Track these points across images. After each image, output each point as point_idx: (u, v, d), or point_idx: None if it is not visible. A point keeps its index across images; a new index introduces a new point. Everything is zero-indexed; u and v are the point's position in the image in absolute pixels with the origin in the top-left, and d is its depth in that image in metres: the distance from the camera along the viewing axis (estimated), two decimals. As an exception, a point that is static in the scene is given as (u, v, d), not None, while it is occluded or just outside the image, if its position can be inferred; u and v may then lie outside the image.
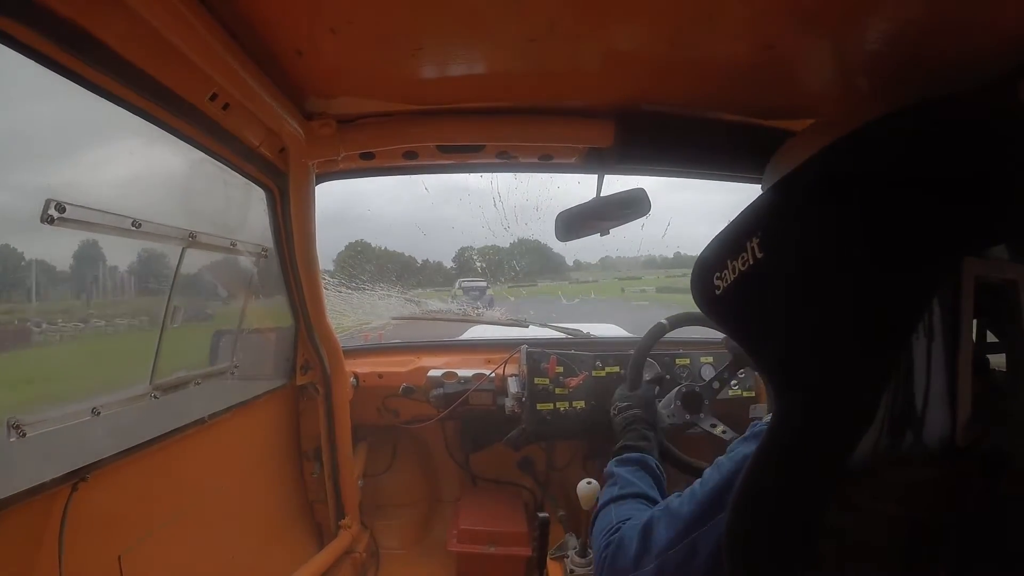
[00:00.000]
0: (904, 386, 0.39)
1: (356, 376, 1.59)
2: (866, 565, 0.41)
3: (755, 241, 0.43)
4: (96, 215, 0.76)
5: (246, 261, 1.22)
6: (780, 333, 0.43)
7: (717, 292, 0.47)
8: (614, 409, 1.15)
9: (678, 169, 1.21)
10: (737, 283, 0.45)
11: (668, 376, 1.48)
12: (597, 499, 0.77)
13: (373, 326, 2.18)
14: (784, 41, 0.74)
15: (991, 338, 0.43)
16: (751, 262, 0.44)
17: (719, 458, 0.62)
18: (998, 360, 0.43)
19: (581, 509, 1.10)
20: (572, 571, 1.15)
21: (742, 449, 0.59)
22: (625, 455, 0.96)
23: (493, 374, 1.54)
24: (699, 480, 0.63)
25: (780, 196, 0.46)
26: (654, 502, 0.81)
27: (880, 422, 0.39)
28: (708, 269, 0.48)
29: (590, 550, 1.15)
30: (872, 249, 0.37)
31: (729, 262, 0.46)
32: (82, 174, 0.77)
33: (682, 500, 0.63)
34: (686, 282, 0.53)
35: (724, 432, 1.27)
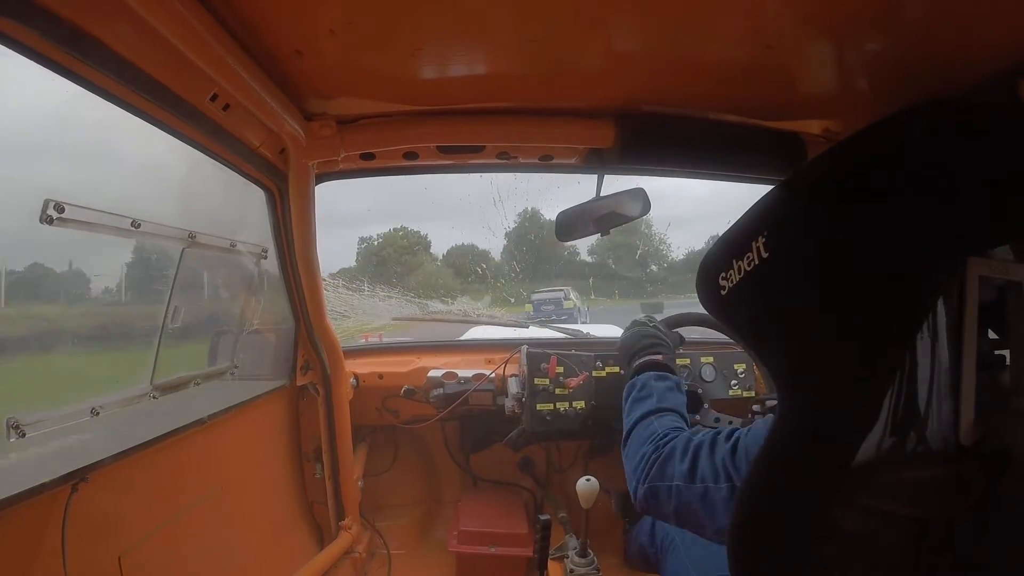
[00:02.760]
0: (908, 386, 0.39)
1: (356, 376, 1.59)
2: (870, 564, 0.42)
3: (761, 241, 0.43)
4: (95, 215, 0.76)
5: (246, 261, 1.23)
6: (785, 332, 0.43)
7: (723, 292, 0.47)
8: (630, 324, 1.11)
9: (678, 169, 1.21)
10: (743, 283, 0.45)
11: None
12: (635, 501, 0.76)
13: (373, 326, 2.18)
14: (784, 42, 0.74)
15: (995, 338, 0.43)
16: (757, 262, 0.44)
17: (757, 425, 0.63)
18: (1002, 360, 0.43)
19: (581, 509, 1.10)
20: (572, 571, 1.15)
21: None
22: (660, 372, 0.94)
23: (493, 374, 1.53)
24: (753, 432, 0.64)
25: (786, 197, 0.46)
26: (687, 423, 0.83)
27: (884, 422, 0.39)
28: (713, 269, 0.48)
29: (590, 551, 1.15)
30: (877, 249, 0.37)
31: (735, 262, 0.46)
32: (82, 174, 0.77)
33: (735, 444, 0.64)
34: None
35: (731, 423, 1.26)
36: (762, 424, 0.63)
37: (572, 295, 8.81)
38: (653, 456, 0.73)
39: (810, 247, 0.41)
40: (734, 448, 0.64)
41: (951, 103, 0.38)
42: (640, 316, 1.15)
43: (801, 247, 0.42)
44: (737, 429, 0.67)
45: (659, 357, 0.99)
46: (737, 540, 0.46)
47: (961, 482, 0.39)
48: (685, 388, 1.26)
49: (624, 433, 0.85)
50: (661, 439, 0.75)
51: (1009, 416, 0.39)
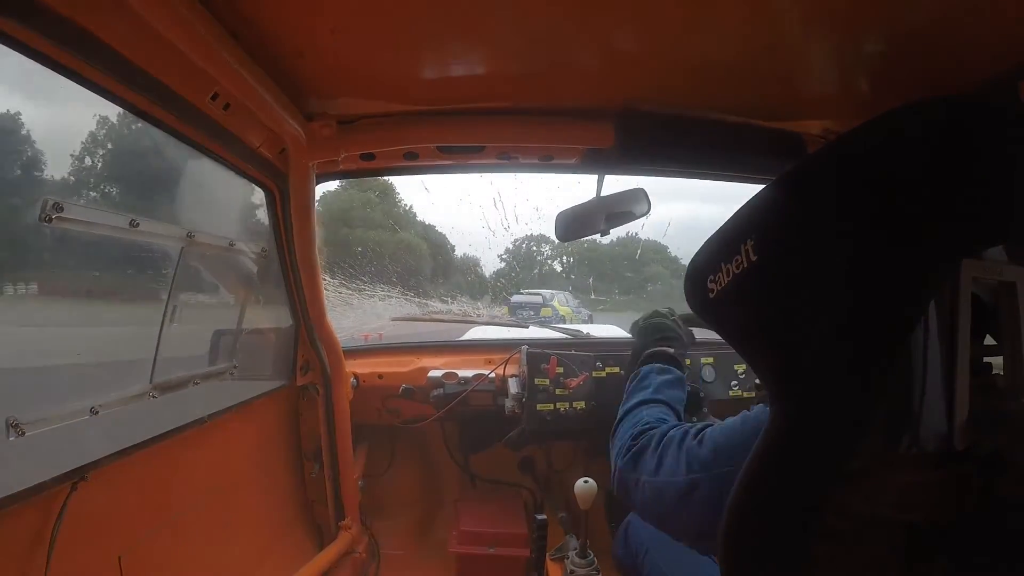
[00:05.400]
0: (901, 389, 0.39)
1: (356, 376, 1.59)
2: (863, 569, 0.41)
3: (750, 244, 0.43)
4: (94, 214, 0.76)
5: (246, 261, 1.23)
6: (775, 336, 0.43)
7: (711, 295, 0.47)
8: (650, 312, 1.10)
9: (678, 169, 1.21)
10: (731, 286, 0.45)
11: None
12: (613, 485, 0.76)
13: (372, 326, 2.18)
14: (784, 42, 0.74)
15: (989, 340, 0.43)
16: (745, 265, 0.43)
17: (747, 412, 0.63)
18: (996, 362, 0.43)
19: (581, 509, 1.10)
20: (572, 572, 1.15)
21: (762, 412, 0.59)
22: (663, 365, 0.94)
23: (493, 374, 1.53)
24: (722, 425, 0.64)
25: (775, 198, 0.45)
26: (679, 418, 0.83)
27: (877, 425, 0.39)
28: (702, 272, 0.48)
29: (590, 551, 1.15)
30: (867, 251, 0.37)
31: (723, 265, 0.45)
32: (82, 173, 0.77)
33: (701, 438, 0.64)
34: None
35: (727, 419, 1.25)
36: (737, 419, 0.63)
37: (554, 301, 8.68)
38: (631, 444, 0.74)
39: (800, 249, 0.41)
40: (700, 441, 0.64)
41: (946, 103, 0.38)
42: (661, 308, 1.15)
43: (791, 250, 0.41)
44: (710, 424, 0.67)
45: (669, 350, 0.99)
46: (728, 542, 0.46)
47: (955, 486, 0.39)
48: (688, 387, 1.25)
49: (616, 420, 0.86)
50: (643, 427, 0.75)
51: (1003, 419, 0.39)
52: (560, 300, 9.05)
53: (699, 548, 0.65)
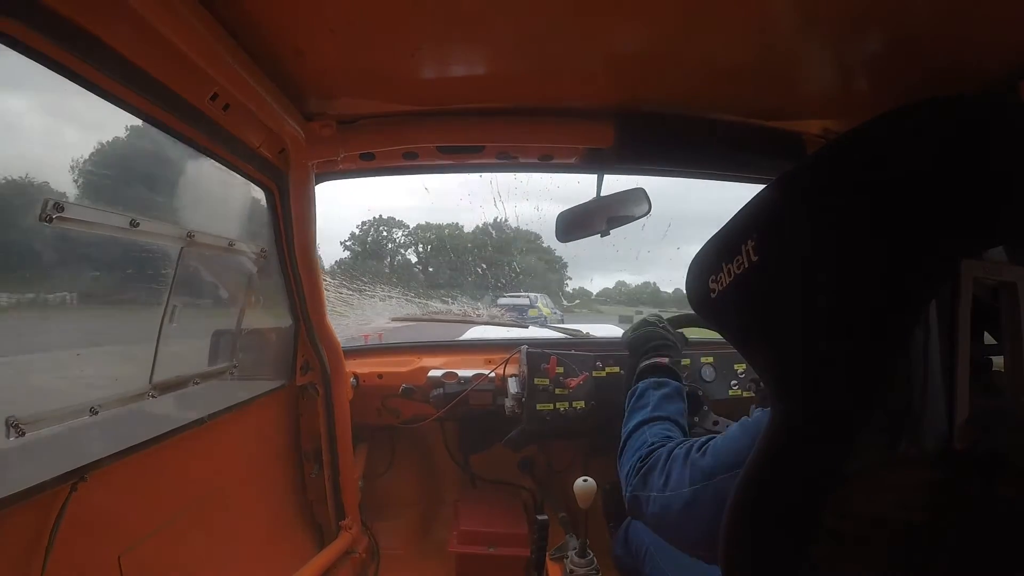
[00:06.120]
0: (901, 389, 0.39)
1: (356, 376, 1.59)
2: (863, 569, 0.41)
3: (750, 244, 0.43)
4: (94, 214, 0.76)
5: (245, 261, 1.23)
6: (776, 336, 0.43)
7: (712, 295, 0.47)
8: (638, 323, 1.10)
9: (678, 169, 1.21)
10: (732, 286, 0.45)
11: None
12: (627, 506, 0.77)
13: (372, 326, 2.18)
14: (784, 42, 0.74)
15: (989, 340, 0.43)
16: (746, 265, 0.43)
17: (746, 418, 0.64)
18: (996, 362, 0.43)
19: (580, 509, 1.10)
20: (572, 571, 1.15)
21: (762, 417, 0.59)
22: (660, 379, 0.94)
23: (493, 374, 1.53)
24: (723, 435, 0.65)
25: (775, 198, 0.45)
26: (682, 430, 0.84)
27: (876, 425, 0.39)
28: (703, 272, 0.48)
29: (590, 551, 1.15)
30: (868, 251, 0.37)
31: (724, 265, 0.45)
32: (81, 173, 0.77)
33: (705, 450, 0.65)
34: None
35: (728, 427, 1.26)
36: (736, 426, 0.64)
37: (539, 303, 8.74)
38: (639, 465, 0.75)
39: (800, 249, 0.41)
40: (704, 453, 0.65)
41: (947, 103, 0.38)
42: (648, 315, 1.15)
43: (791, 250, 0.42)
44: (714, 436, 0.67)
45: (664, 360, 0.98)
46: (729, 542, 0.46)
47: (955, 486, 0.39)
48: (686, 391, 1.26)
49: (620, 442, 0.87)
50: (648, 449, 0.76)
51: (1003, 419, 0.39)
52: (544, 302, 9.15)
53: (705, 558, 0.65)
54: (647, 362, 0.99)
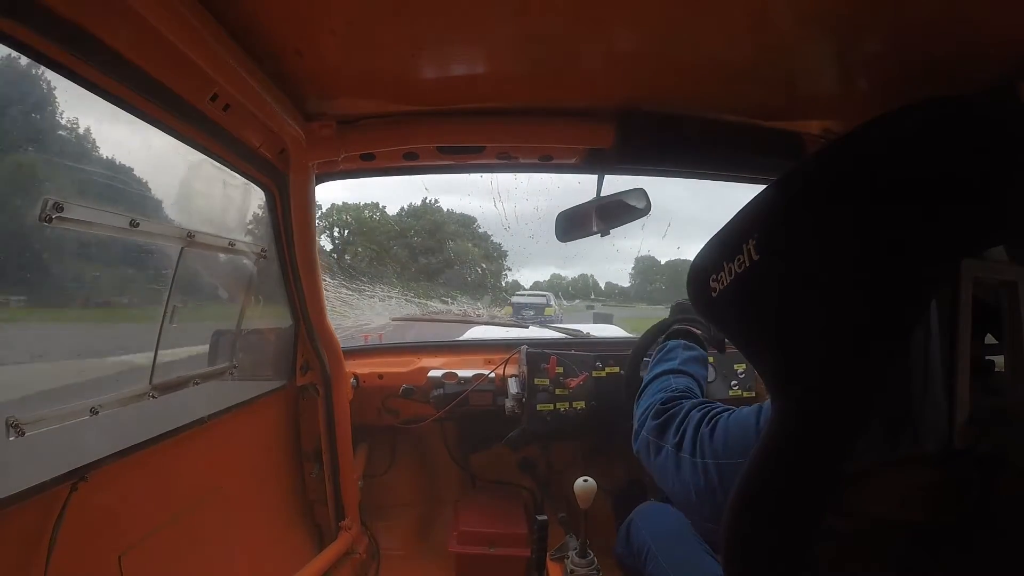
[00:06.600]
0: (901, 389, 0.39)
1: (356, 377, 1.59)
2: (864, 568, 0.41)
3: (752, 243, 0.43)
4: (94, 214, 0.76)
5: (245, 261, 1.23)
6: (776, 335, 0.43)
7: (713, 295, 0.47)
8: (681, 303, 1.10)
9: (678, 169, 1.21)
10: (733, 286, 0.45)
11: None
12: (634, 443, 0.78)
13: (372, 327, 2.18)
14: (784, 42, 0.74)
15: (990, 339, 0.43)
16: (747, 264, 0.43)
17: (761, 406, 0.64)
18: (996, 361, 0.43)
19: (580, 509, 1.10)
20: (572, 571, 1.15)
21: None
22: (688, 342, 0.95)
23: (493, 374, 1.53)
24: (736, 415, 0.65)
25: (777, 197, 0.45)
26: (702, 392, 0.85)
27: (877, 425, 0.39)
28: (704, 271, 0.48)
29: (590, 551, 1.15)
30: (869, 251, 0.37)
31: (725, 264, 0.45)
32: (81, 173, 0.77)
33: (714, 425, 0.66)
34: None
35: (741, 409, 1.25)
36: (749, 410, 0.64)
37: (553, 302, 8.80)
38: (660, 408, 0.75)
39: (801, 249, 0.41)
40: (713, 430, 0.66)
41: (947, 102, 0.38)
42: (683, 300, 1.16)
43: (792, 249, 0.41)
44: (727, 410, 0.68)
45: (697, 331, 1.00)
46: (731, 542, 0.46)
47: (955, 485, 0.39)
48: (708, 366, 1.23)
49: (641, 386, 0.87)
50: (672, 394, 0.77)
51: (1003, 419, 0.39)
52: (554, 300, 9.21)
53: (702, 531, 0.66)
54: (680, 327, 1.01)
